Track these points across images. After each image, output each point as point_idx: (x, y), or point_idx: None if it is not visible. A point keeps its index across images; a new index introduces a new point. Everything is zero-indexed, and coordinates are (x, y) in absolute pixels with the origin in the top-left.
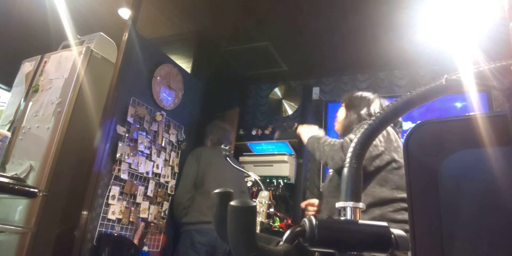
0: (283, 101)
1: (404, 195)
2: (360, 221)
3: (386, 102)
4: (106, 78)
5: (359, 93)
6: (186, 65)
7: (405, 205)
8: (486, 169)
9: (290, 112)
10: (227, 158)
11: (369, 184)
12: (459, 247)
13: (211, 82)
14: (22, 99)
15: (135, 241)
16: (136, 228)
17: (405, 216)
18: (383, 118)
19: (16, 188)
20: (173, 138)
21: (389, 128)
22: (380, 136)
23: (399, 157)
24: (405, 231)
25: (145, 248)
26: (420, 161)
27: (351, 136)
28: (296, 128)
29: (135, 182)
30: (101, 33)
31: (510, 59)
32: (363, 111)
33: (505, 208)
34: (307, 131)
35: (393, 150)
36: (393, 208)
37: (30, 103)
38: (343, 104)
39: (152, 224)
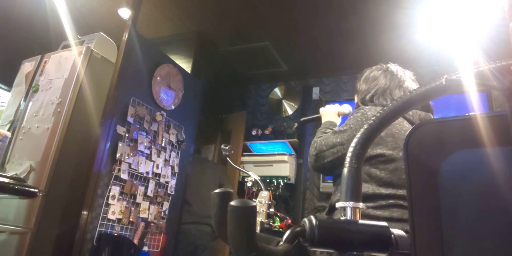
0: (283, 101)
1: (394, 191)
2: (360, 221)
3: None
4: (106, 78)
5: (367, 73)
6: (186, 65)
7: (393, 201)
8: (486, 169)
9: (290, 112)
10: (228, 158)
11: None
12: (459, 247)
13: (211, 82)
14: (22, 99)
15: (135, 241)
16: (136, 228)
17: (391, 213)
18: (383, 118)
19: (16, 188)
20: (173, 138)
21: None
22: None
23: (388, 149)
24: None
25: (145, 248)
26: (420, 161)
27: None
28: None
29: (135, 182)
30: (101, 33)
31: (510, 59)
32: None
33: (505, 208)
34: (326, 116)
35: (376, 143)
36: (377, 204)
37: (30, 103)
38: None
39: (152, 224)
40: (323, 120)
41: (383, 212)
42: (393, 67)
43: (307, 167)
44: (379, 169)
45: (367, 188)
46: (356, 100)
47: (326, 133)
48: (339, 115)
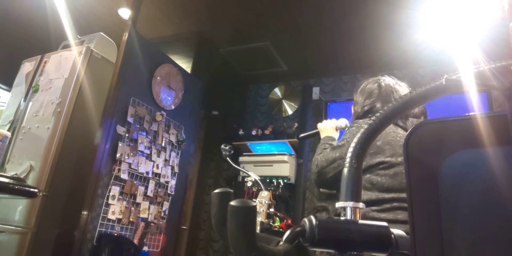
0: (283, 101)
1: (396, 195)
2: (360, 221)
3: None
4: (106, 78)
5: (363, 85)
6: (186, 65)
7: (397, 204)
8: (486, 169)
9: (290, 112)
10: (227, 158)
11: None
12: (459, 247)
13: (211, 82)
14: (22, 99)
15: (135, 241)
16: (136, 228)
17: (395, 215)
18: (383, 118)
19: (16, 188)
20: (173, 138)
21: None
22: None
23: (386, 156)
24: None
25: (145, 248)
26: (420, 161)
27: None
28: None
29: (135, 182)
30: (101, 33)
31: (510, 59)
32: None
33: (505, 208)
34: (324, 132)
35: (375, 152)
36: (382, 207)
37: (30, 103)
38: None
39: (152, 224)
40: (322, 135)
41: (387, 215)
42: (388, 80)
43: (307, 167)
44: (380, 175)
45: (370, 195)
46: (352, 110)
47: (325, 149)
48: (336, 130)
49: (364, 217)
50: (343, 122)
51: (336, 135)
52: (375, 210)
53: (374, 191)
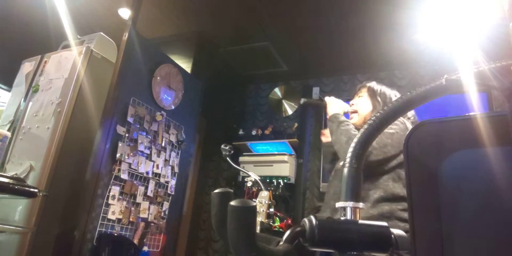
0: (283, 101)
1: None
2: (360, 221)
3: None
4: (106, 78)
5: (383, 90)
6: (186, 65)
7: None
8: (486, 169)
9: (290, 112)
10: (227, 158)
11: (382, 178)
12: (459, 247)
13: (211, 82)
14: (22, 99)
15: (135, 241)
16: (136, 228)
17: None
18: (383, 118)
19: (16, 188)
20: (173, 138)
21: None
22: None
23: None
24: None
25: (145, 248)
26: (420, 161)
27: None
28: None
29: (135, 182)
30: (101, 33)
31: (510, 59)
32: None
33: (504, 208)
34: (334, 106)
35: None
36: (403, 206)
37: (30, 103)
38: (367, 94)
39: (152, 224)
40: (331, 109)
41: (406, 214)
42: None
43: (307, 167)
44: None
45: (397, 188)
46: (371, 108)
47: (349, 127)
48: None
49: (392, 215)
50: (348, 107)
51: (347, 108)
52: (400, 209)
53: (399, 184)
